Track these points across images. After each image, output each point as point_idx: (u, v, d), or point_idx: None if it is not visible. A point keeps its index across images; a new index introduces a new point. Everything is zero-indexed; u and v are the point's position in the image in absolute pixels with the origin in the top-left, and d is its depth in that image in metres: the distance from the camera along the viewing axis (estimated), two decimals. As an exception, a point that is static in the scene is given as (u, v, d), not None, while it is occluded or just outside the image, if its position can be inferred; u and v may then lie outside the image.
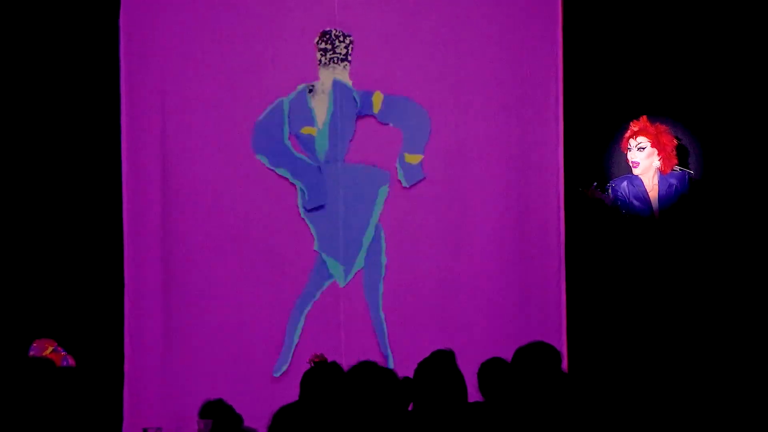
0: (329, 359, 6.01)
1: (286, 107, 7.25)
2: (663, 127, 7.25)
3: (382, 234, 7.25)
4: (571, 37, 7.29)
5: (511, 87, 7.33)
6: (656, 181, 7.21)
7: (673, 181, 7.14)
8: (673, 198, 7.15)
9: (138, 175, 7.32)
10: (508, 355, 5.03)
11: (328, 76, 7.24)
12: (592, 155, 7.38)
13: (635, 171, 7.24)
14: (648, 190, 7.23)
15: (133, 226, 7.32)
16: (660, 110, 7.27)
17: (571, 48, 7.29)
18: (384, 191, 7.24)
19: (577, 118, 7.35)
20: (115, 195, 7.33)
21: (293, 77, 7.34)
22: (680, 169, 7.17)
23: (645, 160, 7.23)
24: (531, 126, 7.35)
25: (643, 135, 7.20)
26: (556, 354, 4.86)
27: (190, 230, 7.32)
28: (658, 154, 7.23)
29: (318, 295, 7.25)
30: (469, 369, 5.04)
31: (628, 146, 7.23)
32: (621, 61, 7.31)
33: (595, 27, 7.30)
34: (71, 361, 6.40)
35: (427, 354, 5.03)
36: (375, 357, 5.20)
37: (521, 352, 4.84)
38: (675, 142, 7.27)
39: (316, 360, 5.85)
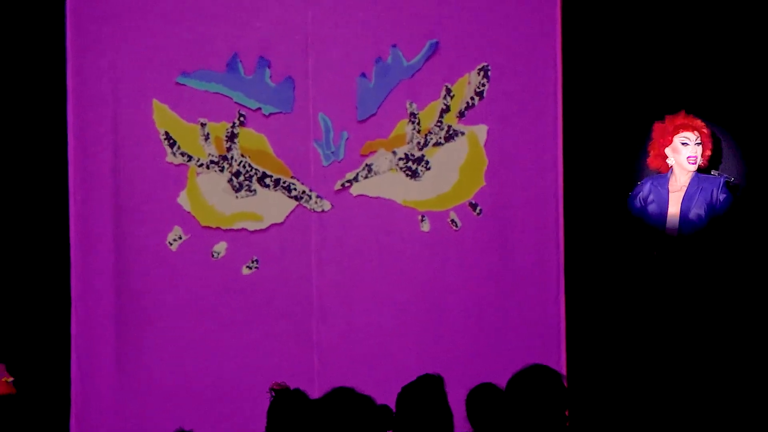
0: (301, 385, 5.72)
1: None
2: (699, 120, 7.21)
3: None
4: (570, 35, 7.32)
5: (508, 87, 7.35)
6: (686, 182, 7.16)
7: (709, 188, 7.10)
8: (699, 224, 7.12)
9: (86, 176, 7.26)
10: (499, 378, 5.03)
11: None
12: (593, 158, 7.36)
13: (691, 167, 7.13)
14: (670, 192, 7.17)
15: (81, 234, 7.28)
16: (661, 110, 7.27)
17: (570, 46, 7.32)
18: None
19: (577, 119, 7.36)
20: (62, 199, 7.28)
21: (258, 69, 7.30)
22: (719, 174, 7.17)
23: (699, 156, 7.16)
24: (528, 127, 7.35)
25: (695, 129, 7.15)
26: (559, 381, 4.81)
27: (145, 237, 7.29)
28: (703, 152, 7.20)
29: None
30: (456, 395, 5.06)
31: (682, 141, 7.14)
32: (622, 59, 7.34)
33: (596, 23, 7.35)
34: (11, 388, 6.58)
35: (409, 377, 5.05)
36: (352, 382, 5.01)
37: (519, 378, 4.81)
38: (711, 138, 7.24)
39: (277, 388, 5.68)
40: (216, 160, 7.25)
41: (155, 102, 7.21)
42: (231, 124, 7.24)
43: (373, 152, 7.33)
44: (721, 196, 7.09)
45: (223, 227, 7.27)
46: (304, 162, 7.32)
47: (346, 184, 7.31)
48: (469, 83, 7.30)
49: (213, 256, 7.26)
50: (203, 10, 7.27)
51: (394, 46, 7.26)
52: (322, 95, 7.25)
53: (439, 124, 7.30)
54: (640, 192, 7.22)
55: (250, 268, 7.30)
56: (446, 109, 7.32)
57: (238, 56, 7.23)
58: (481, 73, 7.29)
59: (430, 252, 7.34)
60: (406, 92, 7.32)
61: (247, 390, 7.13)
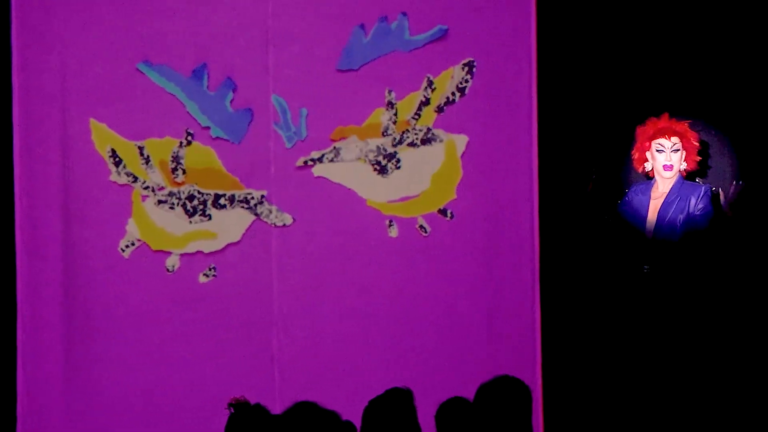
0: (261, 400, 5.70)
1: None
2: (686, 125, 7.23)
3: None
4: (545, 35, 7.30)
5: (487, 86, 7.30)
6: (666, 189, 7.20)
7: (688, 196, 7.13)
8: (672, 234, 7.15)
9: (33, 177, 7.17)
10: (472, 392, 5.00)
11: None
12: (569, 160, 7.33)
13: (667, 175, 7.18)
14: (651, 199, 7.22)
15: (27, 239, 7.18)
16: (634, 112, 7.31)
17: (545, 46, 7.29)
18: None
19: (554, 122, 7.32)
20: (7, 202, 7.20)
21: (222, 89, 7.24)
22: (704, 186, 7.21)
23: (677, 163, 7.19)
24: (504, 128, 7.29)
25: (675, 135, 7.18)
26: (525, 391, 4.84)
27: (96, 242, 7.16)
28: (685, 157, 7.24)
29: None
30: (426, 409, 5.07)
31: (657, 148, 7.21)
32: (600, 63, 7.36)
33: (571, 22, 7.36)
34: None
35: (376, 391, 5.06)
36: (315, 397, 5.07)
37: (485, 390, 4.82)
38: (698, 144, 7.27)
39: (235, 403, 5.58)
40: (164, 198, 7.16)
41: (93, 122, 7.13)
42: (178, 144, 7.15)
43: (344, 138, 7.22)
44: (700, 206, 7.11)
45: (176, 250, 7.18)
46: (264, 163, 7.22)
47: (310, 162, 7.19)
48: (452, 77, 7.22)
49: (168, 270, 7.18)
50: (162, 3, 7.19)
51: (404, 14, 7.19)
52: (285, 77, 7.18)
53: (416, 117, 7.22)
54: (626, 198, 7.27)
55: (207, 276, 7.20)
56: (426, 102, 7.23)
57: (207, 67, 7.14)
58: (466, 68, 7.22)
59: (398, 259, 7.28)
60: (387, 78, 7.23)
61: (204, 405, 7.05)
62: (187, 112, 7.16)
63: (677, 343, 7.10)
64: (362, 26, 7.14)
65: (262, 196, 7.17)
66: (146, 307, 7.18)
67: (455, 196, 7.24)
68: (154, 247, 7.13)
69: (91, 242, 7.16)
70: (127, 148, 7.13)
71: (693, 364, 7.11)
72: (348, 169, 7.22)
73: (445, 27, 7.17)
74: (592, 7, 7.31)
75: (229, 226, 7.17)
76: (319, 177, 7.18)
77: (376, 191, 7.23)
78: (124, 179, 7.13)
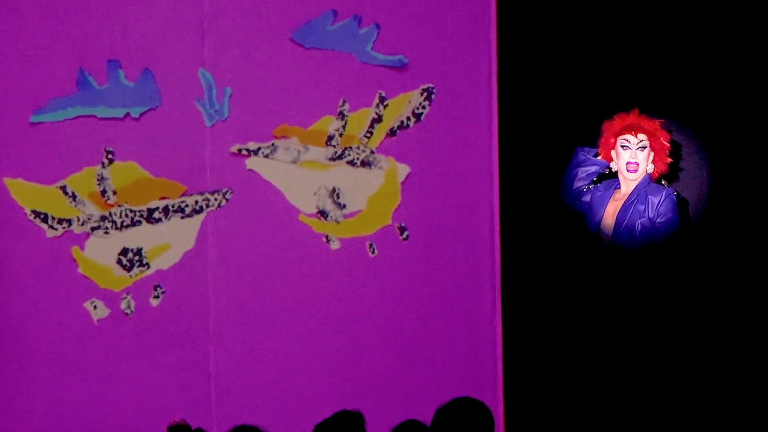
0: (197, 421, 5.96)
1: None
2: (657, 123, 7.25)
3: None
4: (505, 35, 7.28)
5: (437, 114, 7.25)
6: (628, 191, 7.17)
7: (649, 200, 7.10)
8: (631, 241, 7.14)
9: None
10: (427, 415, 4.97)
11: None
12: (531, 163, 7.33)
13: (630, 176, 7.14)
14: (611, 200, 7.20)
15: None
16: (601, 113, 7.32)
17: (505, 47, 7.27)
18: None
19: (513, 119, 7.28)
20: None
21: (111, 75, 7.07)
22: (667, 189, 7.17)
23: (643, 162, 7.15)
24: (459, 159, 7.24)
25: (643, 132, 7.20)
26: (486, 414, 4.84)
27: (22, 254, 6.98)
28: (653, 158, 7.25)
29: None
30: None
31: (622, 144, 7.20)
32: (560, 92, 7.35)
33: (532, 18, 7.38)
34: None
35: (323, 413, 5.08)
36: (255, 419, 5.10)
37: (443, 413, 4.83)
38: (669, 145, 7.24)
39: (174, 426, 5.57)
40: (97, 224, 7.02)
41: (7, 180, 6.98)
42: (100, 166, 7.00)
43: (285, 137, 7.12)
44: (661, 211, 7.10)
45: (128, 284, 7.06)
46: (200, 150, 7.08)
47: (244, 152, 7.07)
48: (409, 102, 7.21)
49: (126, 313, 7.05)
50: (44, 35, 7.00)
51: (377, 26, 7.15)
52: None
53: (368, 135, 7.20)
54: (591, 188, 7.28)
55: (158, 297, 7.07)
56: (378, 119, 7.21)
57: (84, 69, 7.01)
58: (425, 94, 7.21)
59: (343, 268, 7.21)
60: (341, 88, 7.19)
61: (137, 426, 6.96)
62: (101, 119, 7.02)
63: (645, 362, 7.12)
64: (335, 13, 7.12)
65: (196, 202, 7.06)
66: (76, 322, 7.03)
67: (390, 222, 7.23)
68: (101, 285, 6.99)
69: (17, 254, 6.98)
70: (50, 195, 7.00)
71: (659, 383, 7.12)
72: (282, 170, 7.18)
73: (406, 60, 7.20)
74: (554, 40, 7.33)
75: (179, 234, 7.07)
76: (250, 170, 7.11)
77: (308, 203, 7.18)
78: (60, 228, 6.99)
